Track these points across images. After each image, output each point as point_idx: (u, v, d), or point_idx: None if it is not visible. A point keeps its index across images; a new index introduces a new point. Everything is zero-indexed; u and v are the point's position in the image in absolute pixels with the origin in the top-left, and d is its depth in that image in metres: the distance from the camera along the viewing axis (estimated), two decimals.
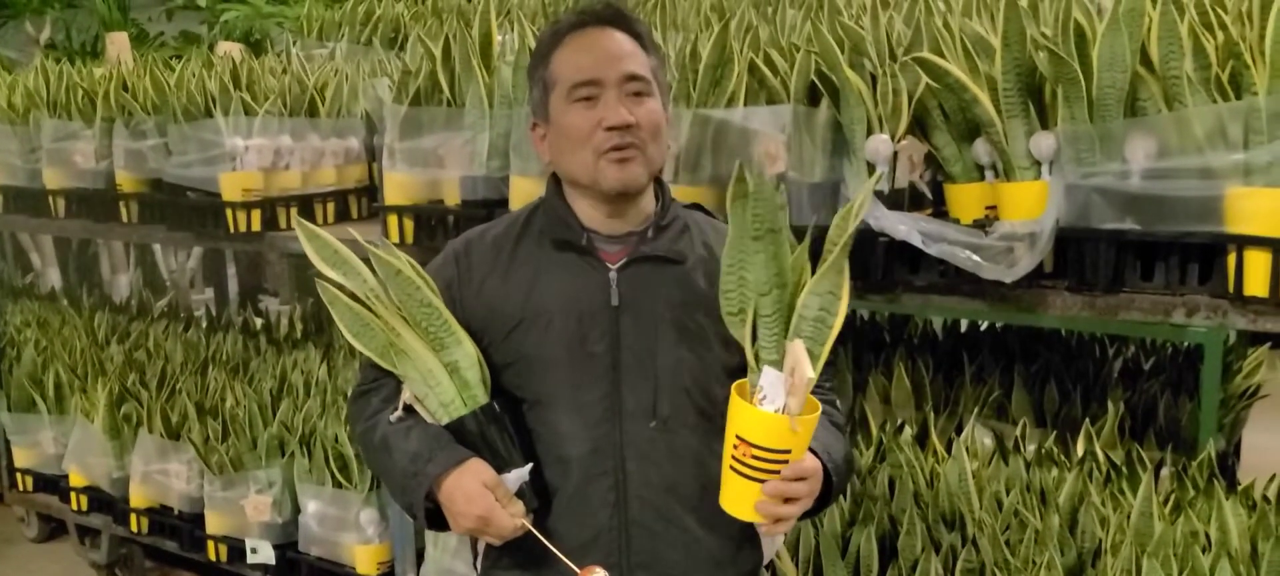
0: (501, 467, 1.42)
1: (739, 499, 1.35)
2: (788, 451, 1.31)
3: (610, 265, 1.46)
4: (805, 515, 1.44)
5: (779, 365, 1.33)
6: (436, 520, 1.46)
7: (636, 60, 1.44)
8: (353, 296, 1.45)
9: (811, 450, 1.38)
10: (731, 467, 1.34)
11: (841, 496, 2.30)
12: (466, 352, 1.44)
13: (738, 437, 1.32)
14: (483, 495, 1.39)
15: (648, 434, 1.44)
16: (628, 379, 1.44)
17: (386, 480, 1.52)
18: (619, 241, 1.48)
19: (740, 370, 1.40)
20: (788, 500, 1.34)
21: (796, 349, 1.29)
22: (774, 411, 1.30)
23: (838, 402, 1.60)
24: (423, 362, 1.43)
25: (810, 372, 1.26)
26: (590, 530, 1.46)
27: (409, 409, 1.47)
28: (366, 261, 1.46)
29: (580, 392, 1.44)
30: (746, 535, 1.53)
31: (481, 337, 1.47)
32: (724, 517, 1.38)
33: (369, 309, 1.44)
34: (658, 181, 1.56)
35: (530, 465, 1.43)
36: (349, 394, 1.65)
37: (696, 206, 1.62)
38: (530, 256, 1.50)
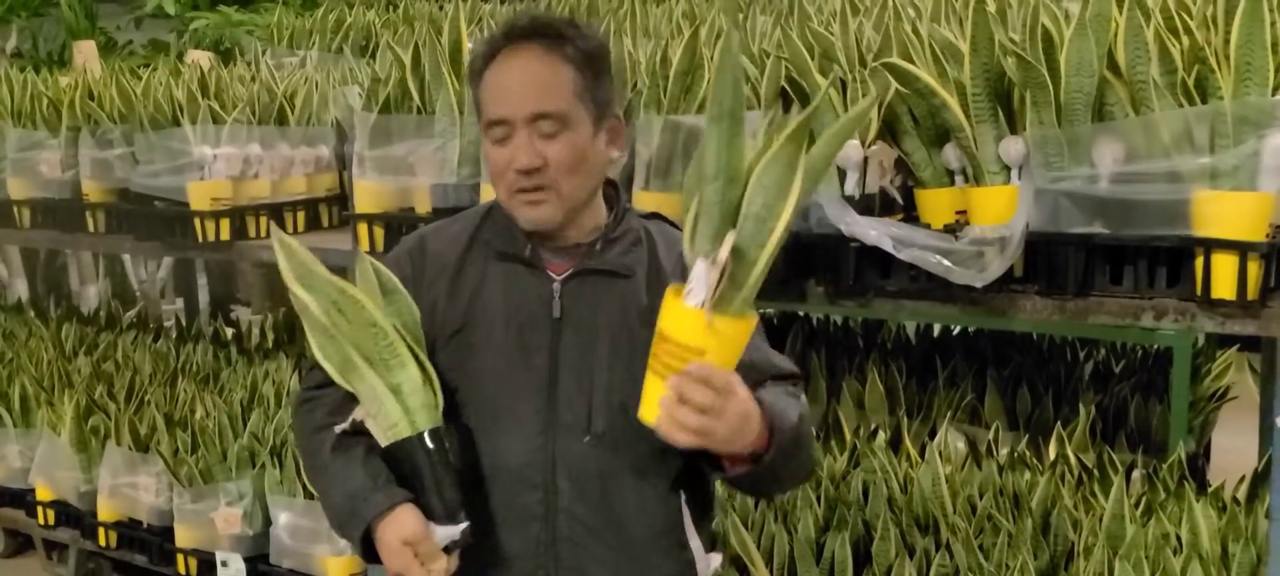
0: (436, 503, 1.39)
1: (649, 399, 1.27)
2: (701, 350, 1.23)
3: (555, 277, 1.45)
4: (751, 479, 1.37)
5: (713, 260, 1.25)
6: (374, 554, 1.44)
7: (551, 93, 1.38)
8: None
9: (759, 398, 1.32)
10: (650, 366, 1.28)
11: (805, 486, 2.21)
12: (411, 376, 1.40)
13: (659, 332, 1.27)
14: (401, 551, 1.37)
15: (581, 449, 1.42)
16: (564, 393, 1.42)
17: (324, 506, 1.50)
18: (566, 253, 1.46)
19: None
20: (693, 408, 1.23)
21: (727, 240, 1.22)
22: (693, 305, 1.23)
23: (803, 397, 1.51)
24: (369, 383, 1.40)
25: (718, 259, 1.20)
26: (520, 542, 1.44)
27: (358, 426, 1.45)
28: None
29: (517, 404, 1.43)
30: (682, 557, 1.49)
31: (426, 340, 1.46)
32: (657, 537, 1.38)
33: (333, 323, 1.41)
34: (614, 188, 1.54)
35: (464, 526, 1.40)
36: (294, 396, 1.62)
37: (658, 216, 1.59)
38: (477, 264, 1.48)
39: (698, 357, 1.23)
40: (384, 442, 1.42)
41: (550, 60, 1.39)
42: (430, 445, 1.40)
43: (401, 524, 1.38)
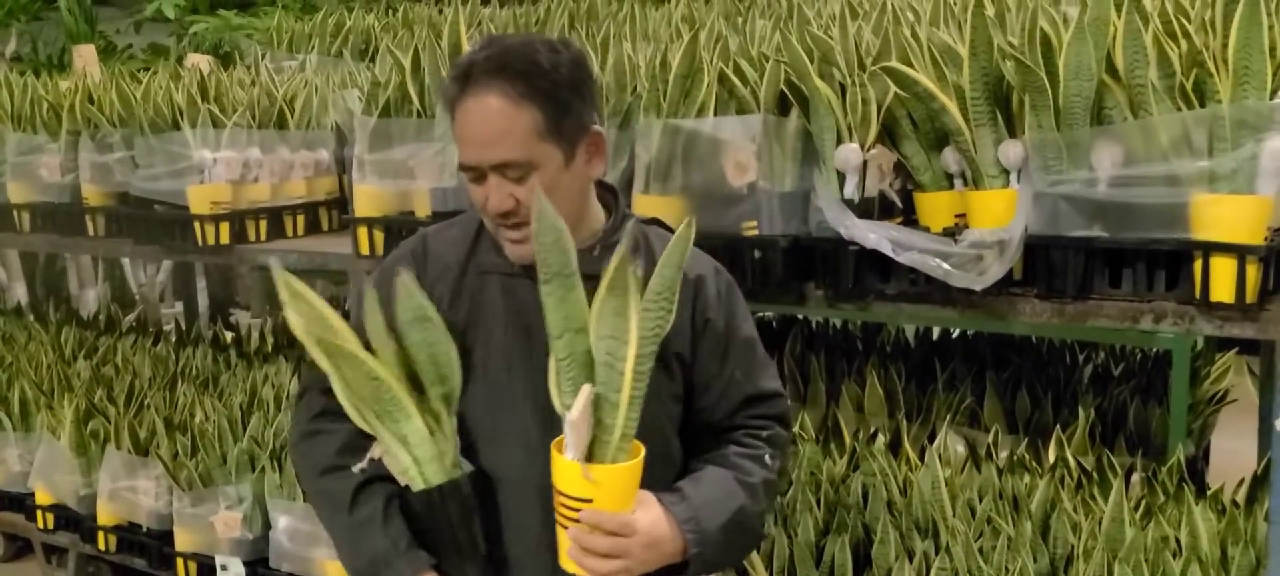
0: (451, 548, 1.44)
1: (561, 547, 1.36)
2: (588, 498, 1.31)
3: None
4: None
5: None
6: None
7: (512, 142, 1.36)
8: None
9: (675, 512, 1.37)
10: (556, 517, 1.36)
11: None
12: (416, 429, 1.40)
13: (553, 485, 1.35)
14: None
15: None
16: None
17: (341, 556, 1.52)
18: None
19: (678, 391, 1.46)
20: (597, 554, 1.32)
21: (581, 395, 1.29)
22: (571, 459, 1.30)
23: (768, 455, 1.52)
24: (376, 431, 1.41)
25: (573, 415, 1.27)
26: (520, 549, 1.47)
27: (376, 463, 1.46)
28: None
29: (517, 412, 1.45)
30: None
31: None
32: None
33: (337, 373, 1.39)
34: (613, 193, 1.55)
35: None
36: (296, 425, 1.60)
37: (657, 222, 1.60)
38: (477, 271, 1.50)
39: (587, 505, 1.31)
40: (402, 483, 1.44)
41: (512, 106, 1.35)
42: (437, 499, 1.42)
43: None
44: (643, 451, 1.35)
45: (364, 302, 1.40)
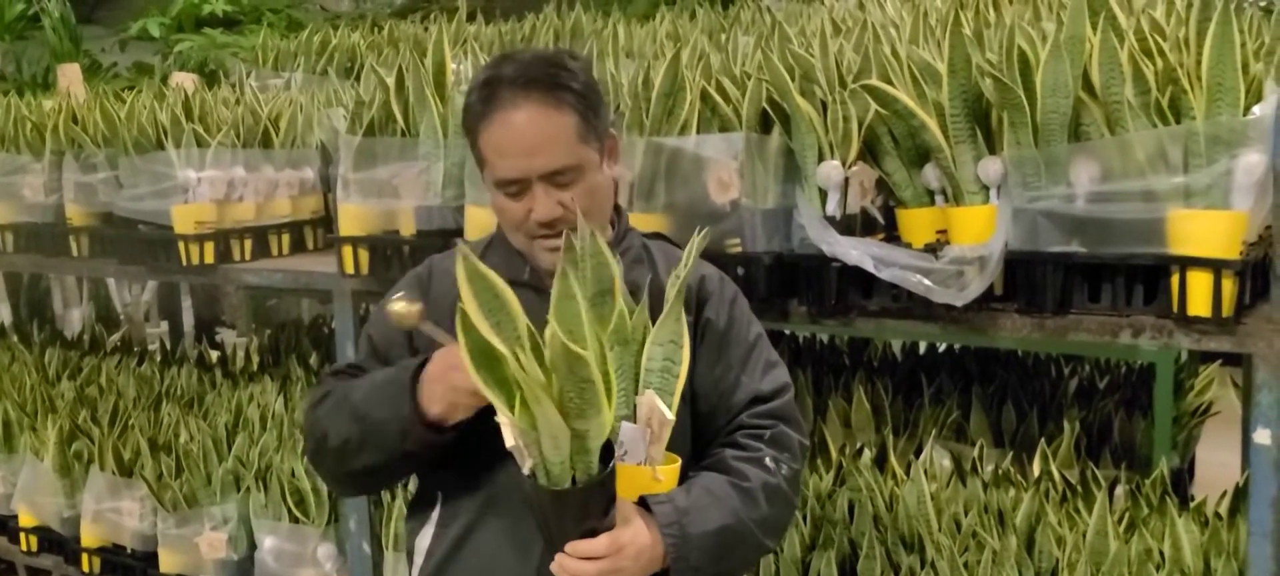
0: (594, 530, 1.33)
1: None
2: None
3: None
4: None
5: (632, 419, 1.34)
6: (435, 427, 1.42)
7: (559, 149, 1.39)
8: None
9: (658, 513, 1.35)
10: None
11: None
12: (602, 422, 1.27)
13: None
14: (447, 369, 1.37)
15: None
16: None
17: (364, 423, 1.45)
18: None
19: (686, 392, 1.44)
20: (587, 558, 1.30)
21: (649, 398, 1.30)
22: (636, 464, 1.31)
23: (769, 458, 1.48)
24: (552, 424, 1.26)
25: (669, 415, 1.29)
26: (522, 565, 1.45)
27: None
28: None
29: None
30: None
31: None
32: None
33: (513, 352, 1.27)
34: (616, 207, 1.57)
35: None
36: (320, 392, 1.56)
37: (660, 236, 1.62)
38: None
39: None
40: (542, 474, 1.31)
41: (553, 113, 1.39)
42: (600, 482, 1.31)
43: (439, 359, 1.39)
44: (677, 459, 1.38)
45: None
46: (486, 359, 1.25)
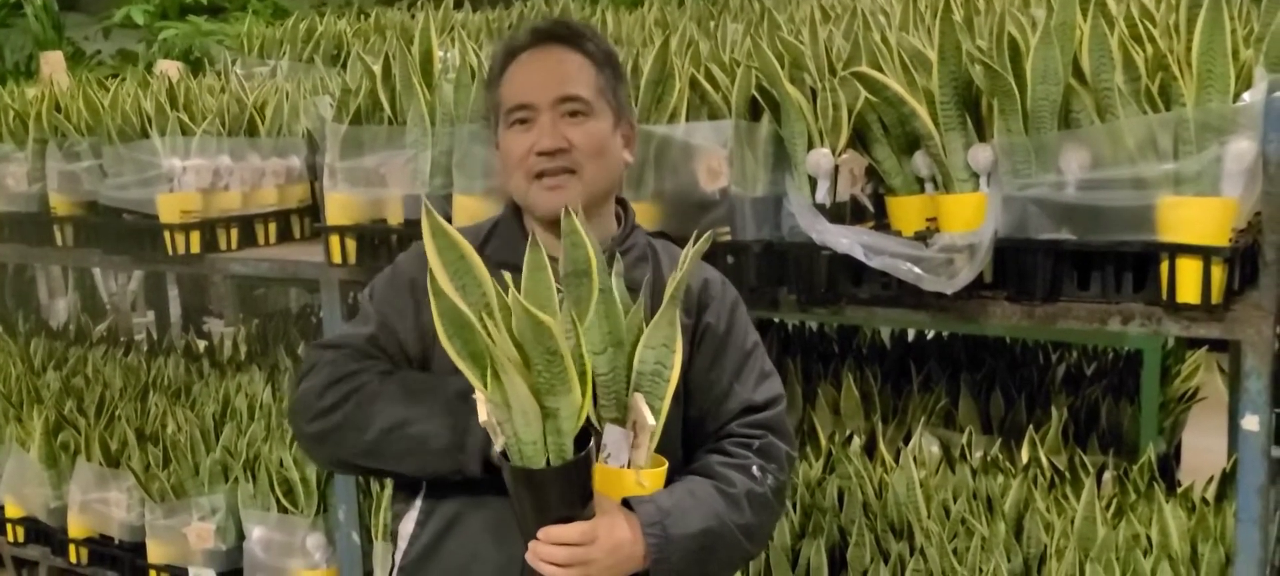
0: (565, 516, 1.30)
1: None
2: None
3: (562, 289, 1.45)
4: None
5: (621, 423, 1.33)
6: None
7: (578, 81, 1.43)
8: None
9: (640, 512, 1.33)
10: None
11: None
12: (572, 401, 1.24)
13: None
14: None
15: None
16: None
17: (409, 439, 1.41)
18: None
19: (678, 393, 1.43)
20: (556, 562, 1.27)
21: (635, 402, 1.30)
22: (619, 467, 1.31)
23: (756, 467, 1.47)
24: (521, 397, 1.22)
25: (651, 420, 1.28)
26: (511, 553, 1.41)
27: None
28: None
29: None
30: None
31: (432, 353, 1.45)
32: None
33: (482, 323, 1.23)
34: (623, 204, 1.56)
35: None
36: (315, 370, 1.47)
37: (663, 235, 1.61)
38: (490, 265, 1.47)
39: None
40: (516, 454, 1.28)
41: (574, 55, 1.45)
42: (574, 463, 1.28)
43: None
44: (664, 461, 1.37)
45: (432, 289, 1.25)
46: (457, 326, 1.23)
